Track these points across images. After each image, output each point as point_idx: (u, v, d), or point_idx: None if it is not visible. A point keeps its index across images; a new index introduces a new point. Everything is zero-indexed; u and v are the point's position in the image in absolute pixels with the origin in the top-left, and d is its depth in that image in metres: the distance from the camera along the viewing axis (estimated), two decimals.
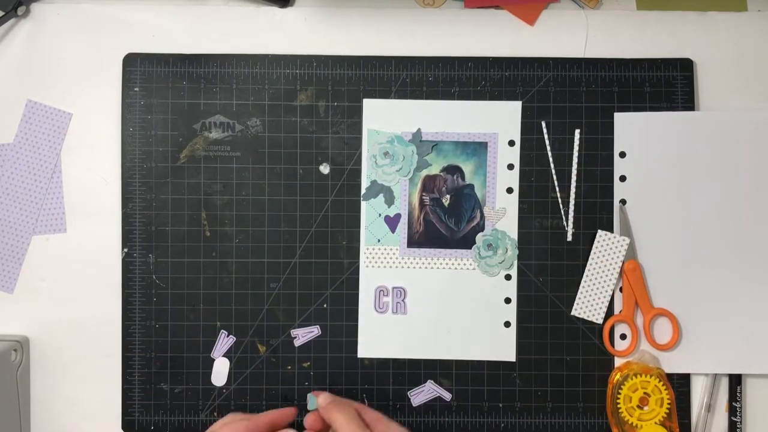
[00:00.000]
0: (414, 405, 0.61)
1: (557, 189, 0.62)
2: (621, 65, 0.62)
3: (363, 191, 0.62)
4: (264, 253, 0.61)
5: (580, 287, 0.61)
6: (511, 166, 0.62)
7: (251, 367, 0.61)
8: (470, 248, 0.61)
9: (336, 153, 0.62)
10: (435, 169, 0.62)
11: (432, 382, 0.61)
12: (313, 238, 0.61)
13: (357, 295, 0.61)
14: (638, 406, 0.59)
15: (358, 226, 0.62)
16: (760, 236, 0.61)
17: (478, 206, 0.62)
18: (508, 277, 0.61)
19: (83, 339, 0.62)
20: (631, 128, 0.61)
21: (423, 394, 0.61)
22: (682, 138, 0.61)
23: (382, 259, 0.61)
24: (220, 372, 0.61)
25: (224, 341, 0.61)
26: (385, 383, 0.61)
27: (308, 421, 0.54)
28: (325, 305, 0.61)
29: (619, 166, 0.62)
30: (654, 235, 0.61)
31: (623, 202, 0.61)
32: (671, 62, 0.62)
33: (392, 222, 0.61)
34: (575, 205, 0.62)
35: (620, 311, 0.61)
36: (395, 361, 0.61)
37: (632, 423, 0.59)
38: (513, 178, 0.62)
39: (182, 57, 0.62)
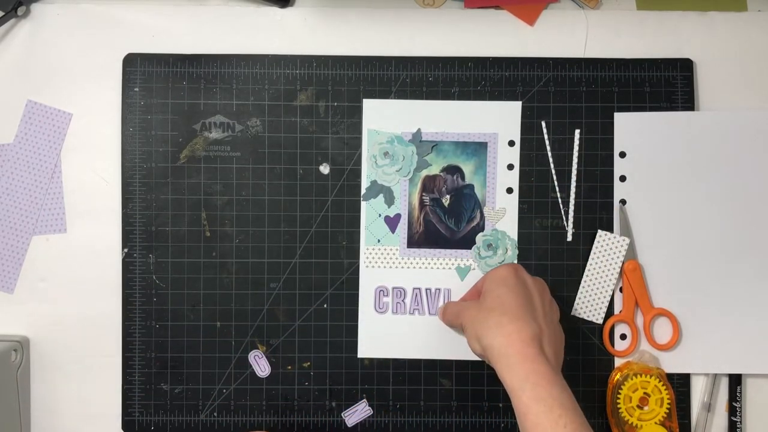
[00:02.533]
0: (349, 426, 0.61)
1: (557, 189, 0.62)
2: (621, 65, 0.62)
3: (363, 191, 0.62)
4: (264, 254, 0.61)
5: (580, 287, 0.61)
6: (511, 166, 0.62)
7: (251, 367, 0.61)
8: (470, 248, 0.61)
9: (336, 153, 0.62)
10: (435, 169, 0.62)
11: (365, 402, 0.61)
12: (313, 239, 0.61)
13: (357, 295, 0.62)
14: (638, 406, 0.59)
15: (358, 227, 0.62)
16: (760, 236, 0.61)
17: (478, 206, 0.62)
18: None
19: (83, 339, 0.62)
20: (631, 128, 0.61)
21: (357, 414, 0.61)
22: (682, 138, 0.61)
23: (382, 260, 0.61)
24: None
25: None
26: (385, 383, 0.61)
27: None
28: (325, 305, 0.61)
29: (619, 166, 0.62)
30: (654, 235, 0.61)
31: (623, 202, 0.61)
32: (671, 62, 0.62)
33: (392, 222, 0.61)
34: (575, 205, 0.62)
35: (620, 311, 0.61)
36: (395, 361, 0.61)
37: (632, 423, 0.59)
38: (513, 178, 0.62)
39: (182, 57, 0.62)
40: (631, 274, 0.60)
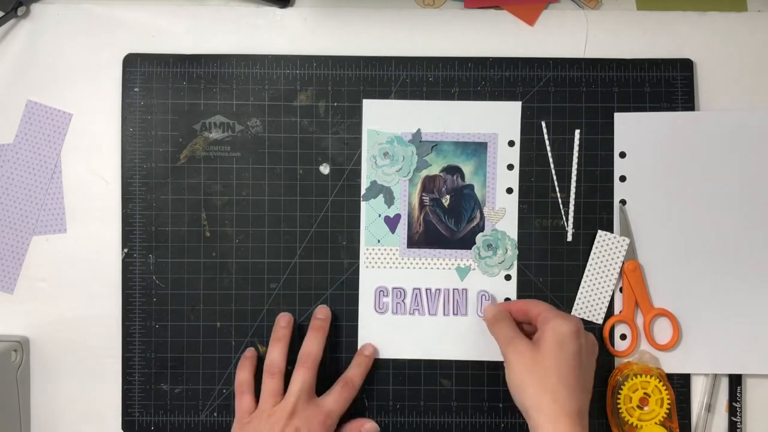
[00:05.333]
0: None
1: (557, 189, 0.62)
2: (621, 65, 0.62)
3: (363, 191, 0.62)
4: (264, 254, 0.61)
5: (580, 287, 0.61)
6: (510, 167, 0.62)
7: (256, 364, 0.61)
8: (470, 248, 0.61)
9: (336, 153, 0.62)
10: (435, 170, 0.62)
11: None
12: (313, 239, 0.61)
13: (357, 295, 0.62)
14: (638, 407, 0.59)
15: (358, 227, 0.62)
16: (760, 236, 0.61)
17: (478, 206, 0.62)
18: (508, 278, 0.61)
19: (83, 339, 0.62)
20: (631, 128, 0.61)
21: None
22: (682, 138, 0.61)
23: (382, 260, 0.61)
24: None
25: None
26: (385, 383, 0.61)
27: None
28: (325, 305, 0.61)
29: (619, 166, 0.62)
30: (654, 235, 0.61)
31: (623, 202, 0.61)
32: (671, 62, 0.62)
33: (392, 222, 0.61)
34: (575, 205, 0.62)
35: (620, 311, 0.61)
36: (395, 361, 0.61)
37: (632, 423, 0.59)
38: (513, 179, 0.62)
39: (182, 57, 0.62)
40: (631, 274, 0.60)
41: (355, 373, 0.59)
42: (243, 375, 0.59)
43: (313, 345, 0.58)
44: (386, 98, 0.62)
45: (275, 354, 0.58)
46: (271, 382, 0.57)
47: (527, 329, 0.58)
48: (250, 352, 0.61)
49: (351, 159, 0.62)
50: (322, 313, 0.60)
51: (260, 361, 0.61)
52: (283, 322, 0.60)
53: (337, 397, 0.57)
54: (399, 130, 0.62)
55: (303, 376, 0.57)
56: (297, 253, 0.62)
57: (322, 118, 0.62)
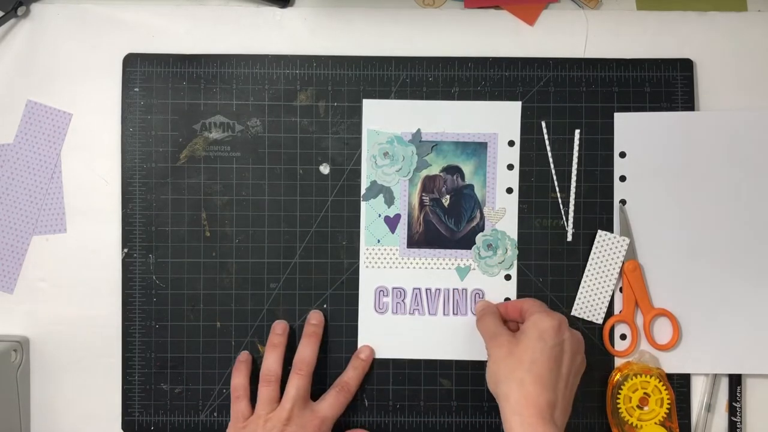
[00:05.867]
0: None
1: (557, 189, 0.62)
2: (621, 65, 0.62)
3: (363, 191, 0.62)
4: (264, 254, 0.61)
5: (580, 287, 0.61)
6: (510, 167, 0.62)
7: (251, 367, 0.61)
8: (470, 248, 0.61)
9: (336, 153, 0.62)
10: (435, 170, 0.62)
11: None
12: (313, 239, 0.61)
13: (357, 295, 0.62)
14: (638, 407, 0.59)
15: (358, 227, 0.62)
16: (760, 236, 0.61)
17: (478, 206, 0.62)
18: (508, 278, 0.61)
19: (83, 339, 0.62)
20: (631, 128, 0.61)
21: None
22: (682, 138, 0.61)
23: (382, 260, 0.61)
24: None
25: None
26: (385, 383, 0.61)
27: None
28: (325, 305, 0.61)
29: (619, 166, 0.62)
30: (654, 235, 0.61)
31: (623, 202, 0.61)
32: (671, 62, 0.62)
33: (392, 222, 0.61)
34: (575, 205, 0.62)
35: (620, 311, 0.61)
36: (395, 361, 0.61)
37: (632, 423, 0.59)
38: (513, 179, 0.62)
39: (182, 57, 0.62)
40: (631, 274, 0.60)
41: (351, 376, 0.59)
42: (238, 379, 0.59)
43: (306, 351, 0.59)
44: (386, 98, 0.62)
45: (271, 361, 0.58)
46: (267, 390, 0.57)
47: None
48: (244, 356, 0.61)
49: (351, 159, 0.62)
50: (315, 319, 0.60)
51: (255, 363, 0.61)
52: (279, 330, 0.60)
53: (332, 402, 0.58)
54: (399, 130, 0.62)
55: (298, 382, 0.57)
56: (297, 253, 0.62)
57: (322, 118, 0.62)
